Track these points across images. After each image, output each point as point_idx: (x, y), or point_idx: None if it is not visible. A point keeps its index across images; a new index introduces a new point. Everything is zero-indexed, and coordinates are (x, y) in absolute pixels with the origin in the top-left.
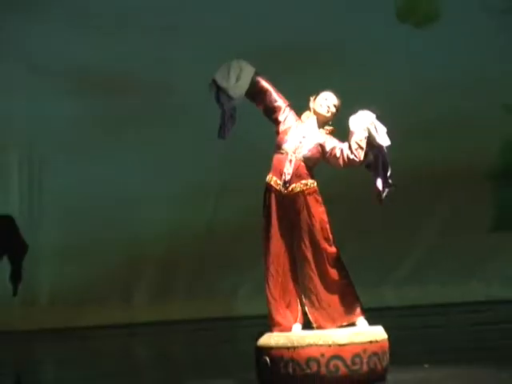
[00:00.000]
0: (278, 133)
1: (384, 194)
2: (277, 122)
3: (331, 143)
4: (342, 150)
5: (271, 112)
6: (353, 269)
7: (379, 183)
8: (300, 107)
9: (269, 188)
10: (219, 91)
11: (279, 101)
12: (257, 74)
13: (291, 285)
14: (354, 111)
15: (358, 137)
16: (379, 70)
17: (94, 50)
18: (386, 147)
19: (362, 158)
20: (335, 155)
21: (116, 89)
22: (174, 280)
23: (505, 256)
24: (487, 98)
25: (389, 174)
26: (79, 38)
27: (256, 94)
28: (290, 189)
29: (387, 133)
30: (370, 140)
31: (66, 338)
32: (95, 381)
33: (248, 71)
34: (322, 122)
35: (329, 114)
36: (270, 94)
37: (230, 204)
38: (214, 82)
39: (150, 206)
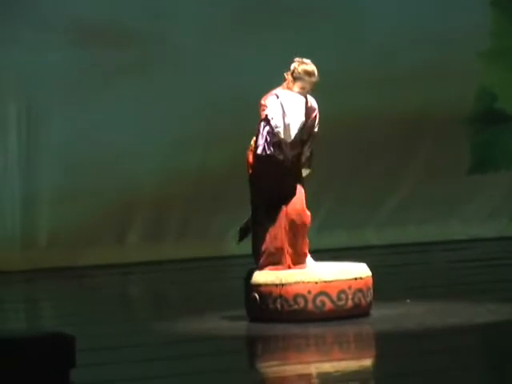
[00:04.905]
0: None
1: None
2: None
3: None
4: None
5: None
6: (338, 211)
7: None
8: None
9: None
10: None
11: None
12: None
13: (280, 231)
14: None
15: None
16: (354, 22)
17: (88, 1)
18: None
19: None
20: None
21: (111, 40)
22: (166, 222)
23: (481, 197)
24: (462, 46)
25: None
26: None
27: None
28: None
29: None
30: None
31: (64, 277)
32: (92, 317)
33: None
34: None
35: None
36: None
37: (218, 150)
38: None
39: (143, 152)
